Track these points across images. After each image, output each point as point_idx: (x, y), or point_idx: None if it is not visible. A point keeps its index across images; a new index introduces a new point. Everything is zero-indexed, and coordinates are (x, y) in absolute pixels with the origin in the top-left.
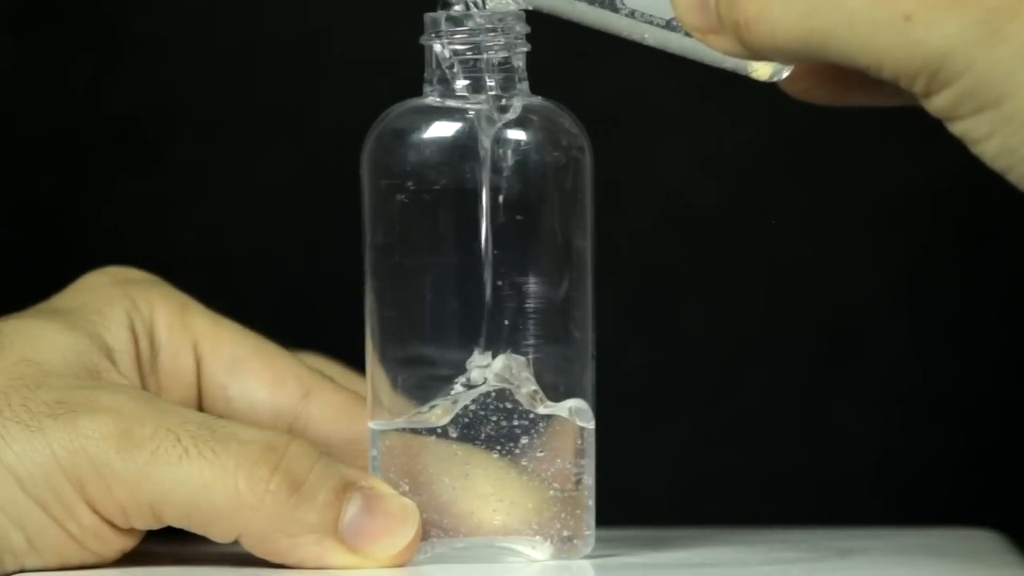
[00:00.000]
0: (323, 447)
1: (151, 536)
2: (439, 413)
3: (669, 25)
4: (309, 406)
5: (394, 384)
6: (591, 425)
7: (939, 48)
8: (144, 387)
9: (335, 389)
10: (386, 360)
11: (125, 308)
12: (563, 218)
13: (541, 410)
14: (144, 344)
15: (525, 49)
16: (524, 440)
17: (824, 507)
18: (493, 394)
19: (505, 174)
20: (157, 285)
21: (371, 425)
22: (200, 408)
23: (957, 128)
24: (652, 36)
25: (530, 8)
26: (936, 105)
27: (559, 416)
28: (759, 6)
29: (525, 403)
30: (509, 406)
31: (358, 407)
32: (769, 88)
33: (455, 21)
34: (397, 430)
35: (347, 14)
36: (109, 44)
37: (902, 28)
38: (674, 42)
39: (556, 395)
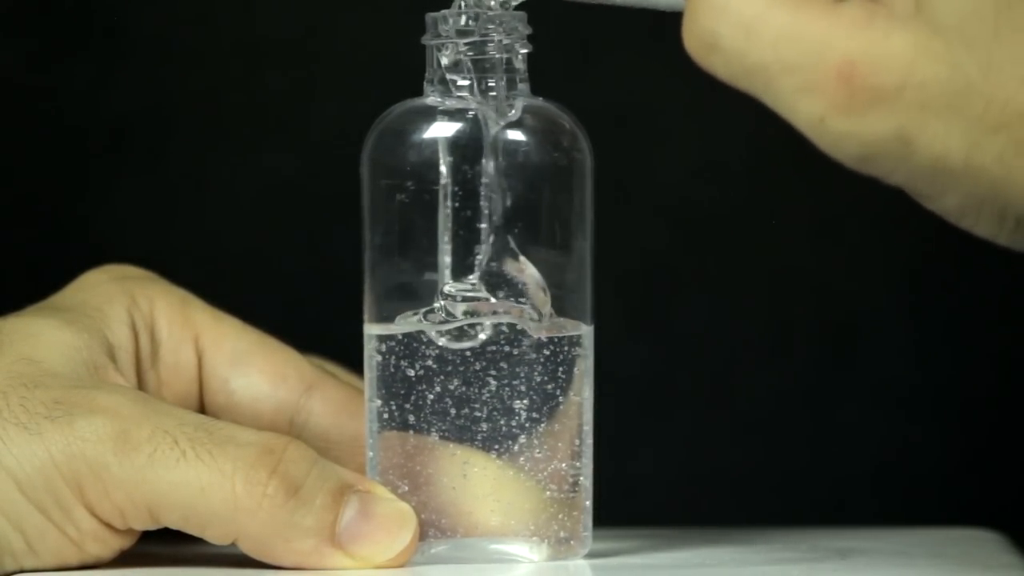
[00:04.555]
0: (324, 442)
1: (150, 536)
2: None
3: None
4: (311, 401)
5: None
6: (589, 426)
7: (856, 155)
8: (145, 383)
9: (337, 385)
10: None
11: (125, 305)
12: (563, 219)
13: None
14: (144, 340)
15: (526, 50)
16: (527, 368)
17: (824, 507)
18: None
19: (505, 175)
20: (156, 281)
21: (368, 330)
22: (202, 402)
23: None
24: None
25: None
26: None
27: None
28: (698, 49)
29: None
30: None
31: (360, 403)
32: None
33: (456, 21)
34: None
35: (347, 14)
36: (109, 44)
37: (820, 128)
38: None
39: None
